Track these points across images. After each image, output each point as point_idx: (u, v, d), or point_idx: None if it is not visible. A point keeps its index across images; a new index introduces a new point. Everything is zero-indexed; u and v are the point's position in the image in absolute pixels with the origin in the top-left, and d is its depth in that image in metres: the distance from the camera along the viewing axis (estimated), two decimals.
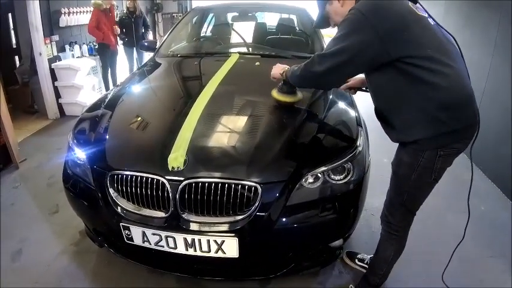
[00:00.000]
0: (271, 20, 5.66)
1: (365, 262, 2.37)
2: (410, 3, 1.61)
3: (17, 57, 6.25)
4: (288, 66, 2.13)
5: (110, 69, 6.35)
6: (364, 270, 2.31)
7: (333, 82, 1.91)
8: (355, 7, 1.57)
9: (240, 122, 2.19)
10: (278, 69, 2.20)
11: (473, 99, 1.59)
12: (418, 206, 1.86)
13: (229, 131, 2.14)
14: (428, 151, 1.63)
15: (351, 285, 2.26)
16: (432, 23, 1.62)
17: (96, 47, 6.29)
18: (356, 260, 2.42)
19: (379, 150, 2.90)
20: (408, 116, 1.62)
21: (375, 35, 1.50)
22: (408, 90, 1.57)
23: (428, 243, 2.61)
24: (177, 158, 1.82)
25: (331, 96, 2.47)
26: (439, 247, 2.50)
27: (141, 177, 1.86)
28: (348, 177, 1.94)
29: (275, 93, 2.27)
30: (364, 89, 2.17)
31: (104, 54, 6.16)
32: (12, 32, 6.20)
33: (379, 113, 1.78)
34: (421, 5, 1.67)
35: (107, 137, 2.16)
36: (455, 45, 1.65)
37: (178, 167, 1.81)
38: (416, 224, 1.93)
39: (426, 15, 1.62)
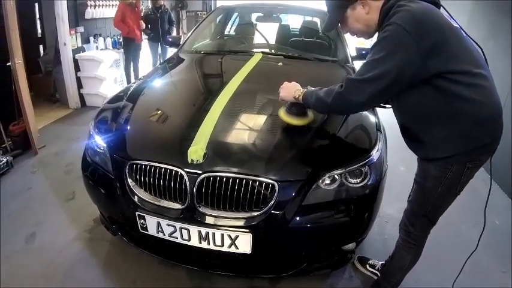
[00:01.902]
0: (294, 22, 5.66)
1: (376, 268, 2.35)
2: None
3: (41, 47, 6.38)
4: (299, 86, 1.96)
5: (132, 63, 6.43)
6: (375, 277, 2.29)
7: (370, 107, 1.85)
8: (394, 21, 1.44)
9: (260, 120, 2.20)
10: (289, 90, 1.96)
11: (501, 111, 1.56)
12: (439, 216, 1.84)
13: (250, 129, 2.14)
14: (457, 165, 1.60)
15: None
16: (464, 34, 1.55)
17: (121, 40, 6.40)
18: (367, 266, 2.40)
19: (397, 158, 2.88)
20: (441, 132, 1.57)
21: (418, 51, 1.41)
22: (443, 107, 1.52)
23: (441, 252, 2.59)
24: (197, 151, 1.83)
25: None
26: (451, 257, 2.49)
27: (160, 168, 1.87)
28: (365, 181, 1.93)
29: (284, 116, 2.06)
30: (382, 105, 2.01)
31: (129, 47, 6.25)
32: (38, 22, 6.31)
33: (406, 131, 1.73)
34: (449, 14, 1.60)
35: (128, 127, 2.19)
36: (483, 57, 1.59)
37: (197, 160, 1.82)
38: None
39: (458, 26, 1.55)
